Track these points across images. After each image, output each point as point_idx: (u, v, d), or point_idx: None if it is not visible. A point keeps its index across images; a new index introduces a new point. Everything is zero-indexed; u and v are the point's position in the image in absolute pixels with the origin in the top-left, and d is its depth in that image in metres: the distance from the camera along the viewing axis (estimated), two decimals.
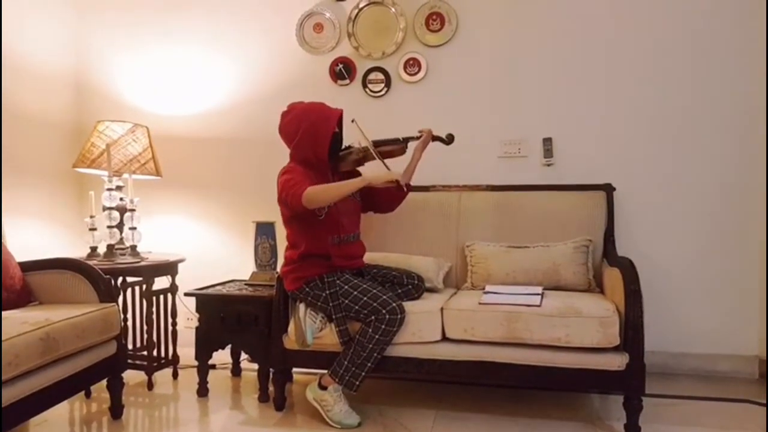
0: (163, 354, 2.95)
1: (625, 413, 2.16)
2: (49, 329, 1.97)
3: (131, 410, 2.53)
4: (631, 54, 2.95)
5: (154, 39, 3.48)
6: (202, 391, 2.68)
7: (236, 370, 2.98)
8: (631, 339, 2.10)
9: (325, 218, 2.34)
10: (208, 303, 2.65)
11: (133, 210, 2.85)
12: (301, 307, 2.37)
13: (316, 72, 3.29)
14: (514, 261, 2.65)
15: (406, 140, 2.55)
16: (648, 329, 2.21)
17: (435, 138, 2.62)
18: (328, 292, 2.32)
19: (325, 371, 2.34)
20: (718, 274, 2.89)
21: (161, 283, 2.91)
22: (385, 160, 2.42)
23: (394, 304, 2.24)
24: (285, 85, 3.30)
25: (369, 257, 2.60)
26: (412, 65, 3.18)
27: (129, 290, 2.99)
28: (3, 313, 2.09)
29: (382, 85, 3.22)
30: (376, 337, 2.23)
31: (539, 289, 2.44)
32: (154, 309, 2.85)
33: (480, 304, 2.29)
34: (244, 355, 2.98)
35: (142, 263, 2.79)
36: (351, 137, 2.52)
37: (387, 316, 2.22)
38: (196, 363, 2.68)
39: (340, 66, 3.26)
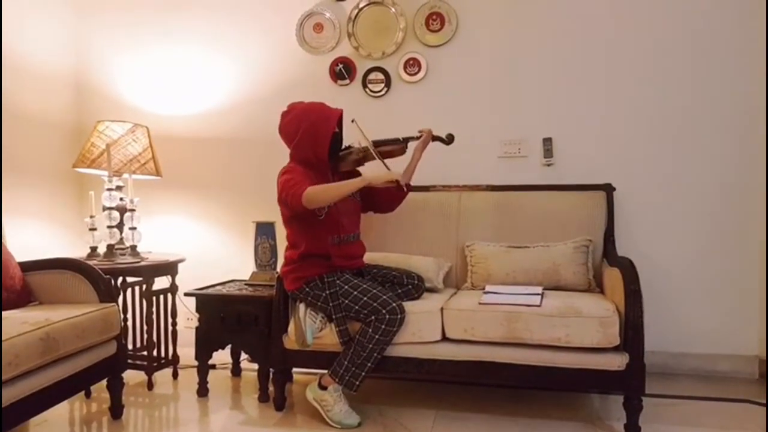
0: (163, 354, 2.95)
1: (625, 413, 2.16)
2: (49, 329, 1.97)
3: (131, 410, 2.53)
4: (631, 54, 2.95)
5: (154, 39, 3.48)
6: (202, 391, 2.68)
7: (236, 370, 2.98)
8: (631, 339, 2.10)
9: (325, 218, 2.34)
10: (208, 303, 2.65)
11: (133, 210, 2.85)
12: (301, 307, 2.37)
13: (316, 72, 3.29)
14: (514, 261, 2.65)
15: (406, 140, 2.55)
16: (648, 329, 2.21)
17: (435, 138, 2.62)
18: (328, 292, 2.32)
19: (325, 371, 2.34)
20: (718, 274, 2.89)
21: (161, 283, 2.91)
22: (385, 160, 2.42)
23: (394, 304, 2.24)
24: (285, 85, 3.30)
25: (369, 257, 2.60)
26: (412, 65, 3.18)
27: (129, 290, 2.99)
28: (3, 313, 2.10)
29: (382, 85, 3.22)
30: (376, 337, 2.23)
31: (539, 289, 2.44)
32: (154, 309, 2.85)
33: (480, 304, 2.29)
34: (244, 355, 2.98)
35: (142, 263, 2.79)
36: (351, 137, 2.52)
37: (387, 316, 2.22)
38: (196, 363, 2.68)
39: (340, 66, 3.26)
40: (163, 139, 3.35)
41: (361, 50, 3.23)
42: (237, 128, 3.40)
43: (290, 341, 2.39)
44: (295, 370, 2.84)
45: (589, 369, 2.14)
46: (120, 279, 2.91)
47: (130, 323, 3.05)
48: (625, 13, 2.95)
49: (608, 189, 2.82)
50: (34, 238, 3.19)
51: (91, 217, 2.87)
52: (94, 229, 2.86)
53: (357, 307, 2.27)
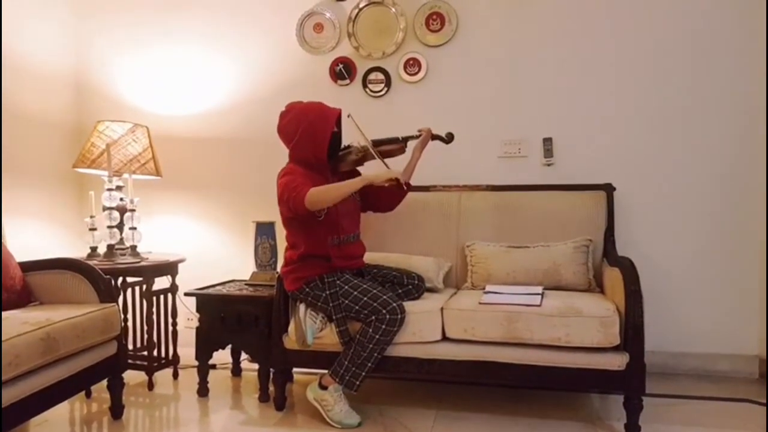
0: (163, 354, 2.95)
1: (626, 413, 2.16)
2: (49, 329, 1.97)
3: (132, 410, 2.53)
4: (632, 54, 2.95)
5: (154, 39, 3.48)
6: (203, 391, 2.68)
7: (236, 370, 2.98)
8: (631, 339, 2.10)
9: (325, 219, 2.33)
10: (209, 303, 2.65)
11: (133, 210, 2.85)
12: (302, 307, 2.38)
13: (316, 72, 3.29)
14: (514, 261, 2.65)
15: (406, 139, 2.55)
16: (648, 329, 2.21)
17: (434, 137, 2.63)
18: (328, 292, 2.32)
19: (326, 371, 2.34)
20: (718, 274, 2.89)
21: (161, 283, 2.91)
22: (385, 160, 2.42)
23: (394, 304, 2.24)
24: (285, 85, 3.30)
25: (369, 257, 2.60)
26: (412, 65, 3.18)
27: (129, 290, 2.99)
28: (3, 313, 2.10)
29: (382, 85, 3.22)
30: (377, 337, 2.23)
31: (539, 289, 2.44)
32: (154, 309, 2.85)
33: (480, 303, 2.30)
34: (244, 355, 2.98)
35: (143, 263, 2.79)
36: (350, 136, 2.53)
37: (387, 316, 2.22)
38: (196, 363, 2.68)
39: (340, 66, 3.26)
40: (163, 139, 3.35)
41: (361, 50, 3.23)
42: (237, 128, 3.40)
43: (290, 341, 2.40)
44: (295, 370, 2.84)
45: (590, 369, 2.14)
46: (120, 279, 2.91)
47: (130, 323, 3.05)
48: (625, 13, 2.95)
49: (608, 189, 2.82)
50: (34, 239, 3.19)
51: (92, 217, 2.87)
52: (94, 230, 2.86)
53: (357, 307, 2.27)
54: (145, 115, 3.45)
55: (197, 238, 3.45)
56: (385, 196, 2.60)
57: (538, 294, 2.36)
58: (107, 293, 2.36)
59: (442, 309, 2.32)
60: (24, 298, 2.32)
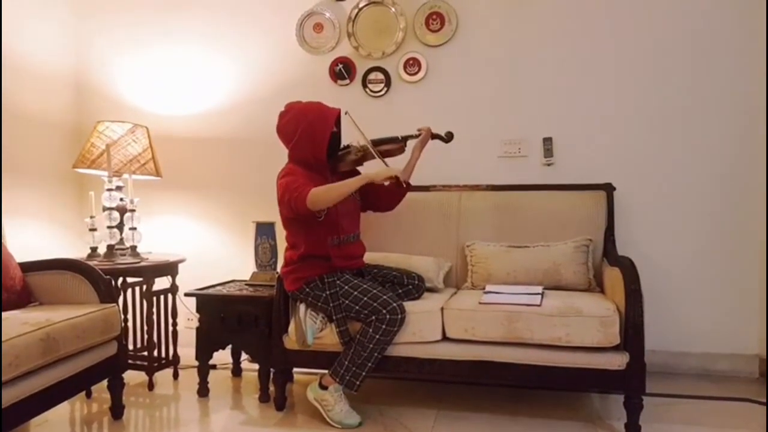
0: (163, 354, 2.95)
1: (626, 412, 2.16)
2: (49, 330, 1.97)
3: (132, 410, 2.53)
4: (632, 54, 2.95)
5: (154, 39, 3.48)
6: (203, 391, 2.68)
7: (237, 370, 2.98)
8: (631, 338, 2.10)
9: (325, 219, 2.33)
10: (209, 303, 2.65)
11: (133, 210, 2.85)
12: (302, 307, 2.38)
13: (316, 72, 3.29)
14: (514, 261, 2.65)
15: (405, 139, 2.55)
16: (648, 329, 2.21)
17: (434, 136, 2.62)
18: (328, 292, 2.32)
19: (326, 371, 2.34)
20: (718, 274, 2.89)
21: (161, 283, 2.91)
22: (385, 159, 2.42)
23: (394, 304, 2.24)
24: (285, 85, 3.30)
25: (369, 257, 2.60)
26: (412, 65, 3.18)
27: (129, 291, 2.99)
28: (3, 313, 2.09)
29: (382, 85, 3.22)
30: (377, 337, 2.23)
31: (539, 289, 2.44)
32: (154, 309, 2.85)
33: (480, 303, 2.30)
34: (244, 355, 2.98)
35: (143, 263, 2.79)
36: (349, 136, 2.53)
37: (387, 316, 2.22)
38: (196, 363, 2.68)
39: (340, 66, 3.26)
40: (163, 139, 3.35)
41: (361, 50, 3.23)
42: (237, 128, 3.40)
43: (291, 341, 2.40)
44: (295, 370, 2.84)
45: (590, 368, 2.14)
46: (120, 279, 2.91)
47: (130, 323, 3.05)
48: (624, 13, 2.95)
49: (608, 189, 2.83)
50: (34, 239, 3.19)
51: (92, 217, 2.87)
52: (94, 230, 2.86)
53: (357, 308, 2.27)
54: (145, 115, 3.45)
55: (197, 239, 3.45)
56: (385, 196, 2.60)
57: (538, 294, 2.36)
58: (107, 293, 2.36)
59: (442, 309, 2.32)
60: (24, 298, 2.32)
